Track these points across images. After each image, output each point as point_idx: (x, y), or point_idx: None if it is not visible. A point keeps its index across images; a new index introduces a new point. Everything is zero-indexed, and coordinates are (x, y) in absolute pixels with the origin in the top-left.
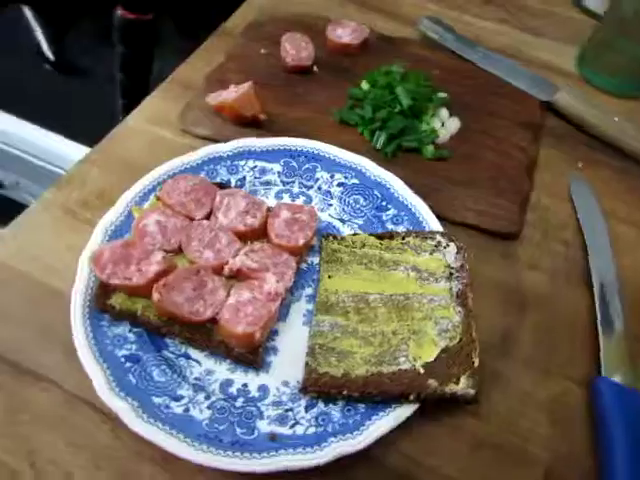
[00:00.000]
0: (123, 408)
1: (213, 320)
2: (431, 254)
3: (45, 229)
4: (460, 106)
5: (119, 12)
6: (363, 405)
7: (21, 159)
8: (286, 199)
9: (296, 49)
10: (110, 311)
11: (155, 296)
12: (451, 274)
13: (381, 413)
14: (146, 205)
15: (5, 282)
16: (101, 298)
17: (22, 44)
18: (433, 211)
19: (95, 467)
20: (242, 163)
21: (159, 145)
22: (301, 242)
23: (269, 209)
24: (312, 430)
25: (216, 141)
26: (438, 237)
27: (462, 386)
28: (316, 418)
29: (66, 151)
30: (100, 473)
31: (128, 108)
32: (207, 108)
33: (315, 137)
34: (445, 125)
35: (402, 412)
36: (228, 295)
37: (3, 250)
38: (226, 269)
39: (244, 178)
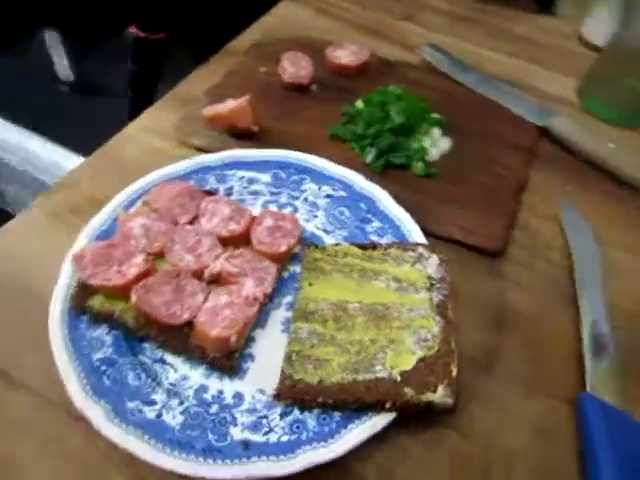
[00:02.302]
0: (95, 411)
1: (190, 324)
2: (412, 265)
3: (33, 234)
4: (454, 128)
5: (132, 30)
6: (339, 414)
7: (23, 171)
8: (273, 209)
9: (295, 67)
10: (89, 312)
11: (133, 297)
12: (432, 285)
13: (357, 421)
14: (133, 210)
15: None
16: (81, 299)
17: (37, 66)
18: (419, 226)
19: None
20: (231, 173)
21: (154, 154)
22: (283, 249)
23: (254, 217)
24: (286, 438)
25: (209, 152)
26: (420, 249)
27: (439, 395)
28: (291, 426)
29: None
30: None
31: None
32: (203, 120)
33: (307, 151)
34: (436, 144)
35: (378, 421)
36: (206, 299)
37: None
38: (206, 273)
39: (232, 187)
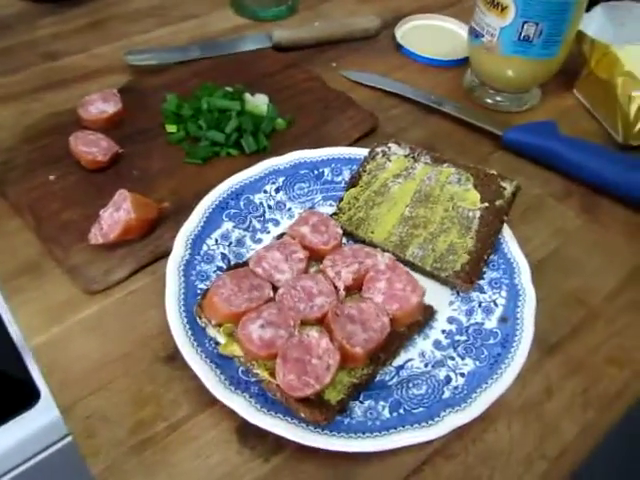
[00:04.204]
0: None
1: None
2: (389, 161)
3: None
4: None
5: None
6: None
7: None
8: (265, 238)
9: (94, 145)
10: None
11: (359, 350)
12: (413, 157)
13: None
14: (222, 347)
15: None
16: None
17: None
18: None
19: None
20: (206, 248)
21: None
22: (339, 231)
23: (281, 236)
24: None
25: (145, 266)
26: (377, 150)
27: (509, 184)
28: (490, 285)
29: None
30: None
31: None
32: (94, 252)
33: (204, 190)
34: (262, 101)
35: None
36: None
37: None
38: (341, 291)
39: (224, 256)
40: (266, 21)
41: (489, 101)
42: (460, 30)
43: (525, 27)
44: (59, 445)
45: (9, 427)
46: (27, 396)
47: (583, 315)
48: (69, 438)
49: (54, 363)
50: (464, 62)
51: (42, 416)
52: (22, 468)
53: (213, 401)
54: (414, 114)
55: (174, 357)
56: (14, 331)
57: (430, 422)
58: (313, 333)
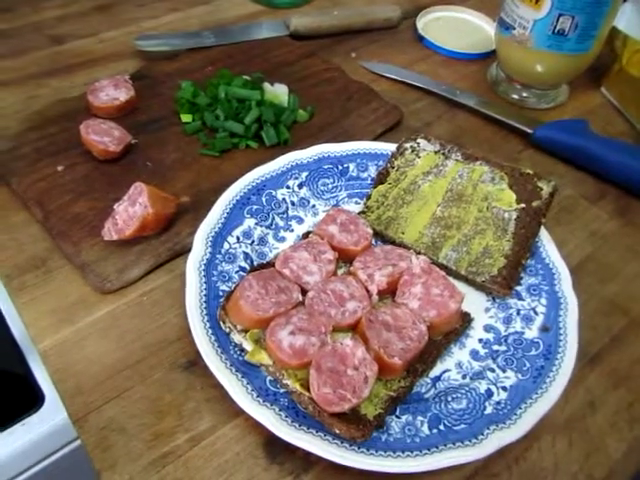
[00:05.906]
0: None
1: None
2: (418, 157)
3: None
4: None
5: None
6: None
7: None
8: (288, 236)
9: (106, 134)
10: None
11: (398, 362)
12: (444, 154)
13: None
14: (249, 355)
15: None
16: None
17: None
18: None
19: None
20: (227, 246)
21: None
22: (370, 230)
23: (306, 235)
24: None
25: (162, 264)
26: (406, 145)
27: (546, 184)
28: (528, 291)
29: None
30: None
31: None
32: (107, 249)
33: (222, 183)
34: (283, 92)
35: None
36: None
37: None
38: (374, 296)
39: (247, 255)
40: (281, 8)
41: (515, 97)
42: (482, 23)
43: (560, 20)
44: (66, 451)
45: (11, 432)
46: (31, 400)
47: (624, 324)
48: (77, 442)
49: (64, 369)
50: (488, 56)
51: (47, 421)
52: (25, 476)
53: (238, 412)
54: (439, 108)
55: (195, 363)
56: (17, 330)
57: (474, 440)
58: (347, 341)
